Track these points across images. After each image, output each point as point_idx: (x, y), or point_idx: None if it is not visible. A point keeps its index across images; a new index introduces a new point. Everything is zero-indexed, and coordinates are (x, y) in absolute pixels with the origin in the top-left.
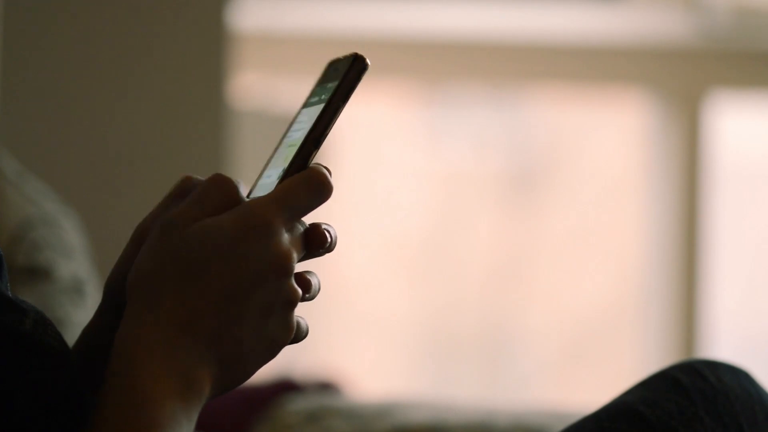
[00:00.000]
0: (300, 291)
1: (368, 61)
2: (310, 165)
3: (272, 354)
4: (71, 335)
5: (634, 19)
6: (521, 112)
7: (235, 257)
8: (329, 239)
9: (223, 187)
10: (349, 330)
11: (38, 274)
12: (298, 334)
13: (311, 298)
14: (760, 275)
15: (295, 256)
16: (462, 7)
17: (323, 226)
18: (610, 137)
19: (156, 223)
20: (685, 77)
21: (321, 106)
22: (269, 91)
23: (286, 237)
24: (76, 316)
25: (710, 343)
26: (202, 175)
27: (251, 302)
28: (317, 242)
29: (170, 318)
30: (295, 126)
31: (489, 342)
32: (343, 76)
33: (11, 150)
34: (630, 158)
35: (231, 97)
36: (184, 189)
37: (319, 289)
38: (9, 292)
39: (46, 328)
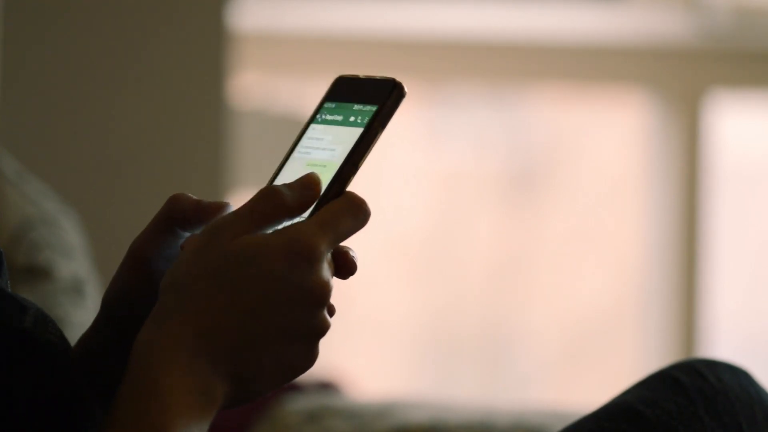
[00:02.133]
0: (330, 322)
1: (406, 88)
2: (348, 191)
3: (289, 379)
4: (71, 335)
5: (634, 19)
6: (521, 112)
7: (274, 278)
8: (356, 268)
9: (273, 199)
10: (349, 330)
11: (38, 274)
12: None
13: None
14: (760, 275)
15: (332, 287)
16: (462, 7)
17: (351, 254)
18: (610, 137)
19: (205, 228)
20: (685, 77)
21: (356, 129)
22: (269, 91)
23: (326, 267)
24: (76, 316)
25: (710, 343)
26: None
27: (280, 325)
28: (346, 270)
29: (195, 327)
30: (310, 142)
31: (489, 342)
32: (383, 102)
33: (11, 150)
34: (630, 158)
35: (231, 97)
36: (175, 208)
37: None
38: (9, 290)
39: (46, 325)
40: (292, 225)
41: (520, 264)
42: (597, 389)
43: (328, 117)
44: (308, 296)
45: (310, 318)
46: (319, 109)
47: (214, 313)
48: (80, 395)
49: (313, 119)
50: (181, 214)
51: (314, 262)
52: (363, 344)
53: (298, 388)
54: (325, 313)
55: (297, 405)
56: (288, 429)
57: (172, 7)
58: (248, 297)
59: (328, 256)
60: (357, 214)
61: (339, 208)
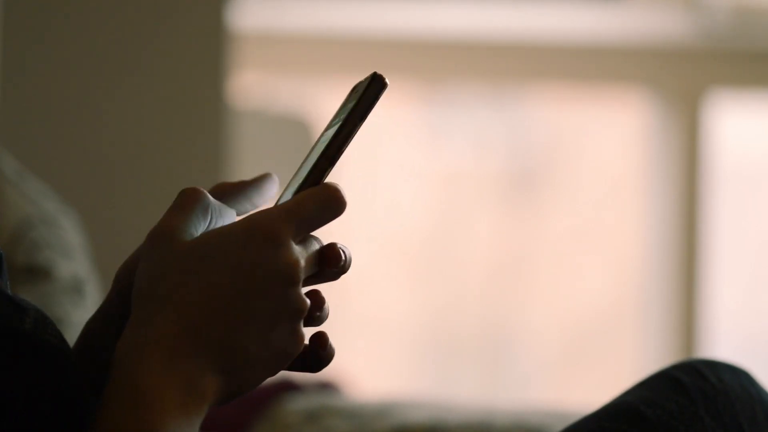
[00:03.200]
0: (308, 301)
1: (387, 80)
2: (324, 182)
3: (281, 364)
4: (71, 335)
5: (634, 19)
6: (521, 112)
7: (241, 265)
8: (344, 259)
9: (194, 193)
10: (349, 330)
11: (38, 273)
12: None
13: (323, 320)
14: (761, 275)
15: (302, 265)
16: (462, 7)
17: (339, 246)
18: (610, 137)
19: (149, 235)
20: (685, 77)
21: (338, 125)
22: (269, 91)
23: (294, 247)
24: (76, 316)
25: (710, 343)
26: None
27: (257, 311)
28: (332, 261)
29: (174, 326)
30: (316, 149)
31: (489, 342)
32: (361, 95)
33: (11, 150)
34: (630, 158)
35: (231, 97)
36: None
37: (329, 311)
38: (9, 291)
39: (46, 327)
40: (253, 212)
41: (520, 264)
42: (597, 389)
43: (333, 122)
44: (277, 277)
45: (285, 298)
46: (332, 117)
47: (188, 310)
48: (80, 397)
49: (326, 128)
50: None
51: (277, 245)
52: (363, 344)
53: (298, 388)
54: (300, 291)
55: (297, 405)
56: (288, 429)
57: (172, 7)
58: (218, 289)
59: (310, 245)
60: (327, 201)
61: (306, 195)
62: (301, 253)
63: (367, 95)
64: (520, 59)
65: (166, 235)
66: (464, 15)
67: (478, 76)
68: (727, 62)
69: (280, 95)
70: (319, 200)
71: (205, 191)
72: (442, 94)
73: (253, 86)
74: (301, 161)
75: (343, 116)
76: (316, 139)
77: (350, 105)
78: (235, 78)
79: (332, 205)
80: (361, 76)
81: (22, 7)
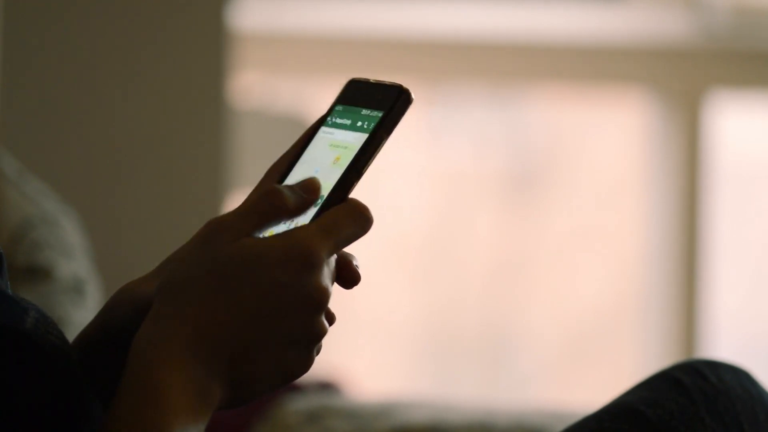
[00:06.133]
0: (328, 327)
1: (413, 95)
2: (351, 197)
3: (284, 383)
4: (71, 335)
5: (634, 19)
6: (521, 112)
7: (274, 282)
8: (360, 279)
9: (274, 199)
10: (349, 330)
11: (38, 273)
12: None
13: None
14: (761, 275)
15: (330, 292)
16: (462, 7)
17: (354, 263)
18: (610, 137)
19: (207, 224)
20: (685, 77)
21: (362, 135)
22: (269, 91)
23: (326, 272)
24: (76, 316)
25: (711, 343)
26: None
27: (278, 330)
28: (349, 280)
29: (194, 328)
30: (317, 146)
31: (489, 342)
32: (389, 109)
33: (11, 150)
34: (630, 158)
35: (231, 97)
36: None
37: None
38: (9, 290)
39: (47, 326)
40: (293, 230)
41: (520, 264)
42: (597, 389)
43: (338, 120)
44: (307, 302)
45: (308, 324)
46: (329, 112)
47: (213, 316)
48: (81, 396)
49: (323, 122)
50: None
51: (314, 267)
52: (363, 344)
53: (298, 388)
54: (323, 318)
55: (297, 405)
56: (288, 429)
57: (172, 7)
58: (247, 301)
59: (331, 262)
60: (359, 220)
61: (341, 214)
62: (329, 278)
63: (395, 110)
64: (520, 59)
65: (223, 237)
66: (464, 15)
67: (478, 76)
68: (727, 62)
69: (280, 95)
70: (354, 220)
71: (286, 194)
72: (442, 94)
73: (253, 86)
74: (294, 149)
75: (365, 126)
76: (308, 130)
77: (368, 113)
78: (235, 78)
79: (364, 225)
80: (362, 76)
81: (22, 7)
